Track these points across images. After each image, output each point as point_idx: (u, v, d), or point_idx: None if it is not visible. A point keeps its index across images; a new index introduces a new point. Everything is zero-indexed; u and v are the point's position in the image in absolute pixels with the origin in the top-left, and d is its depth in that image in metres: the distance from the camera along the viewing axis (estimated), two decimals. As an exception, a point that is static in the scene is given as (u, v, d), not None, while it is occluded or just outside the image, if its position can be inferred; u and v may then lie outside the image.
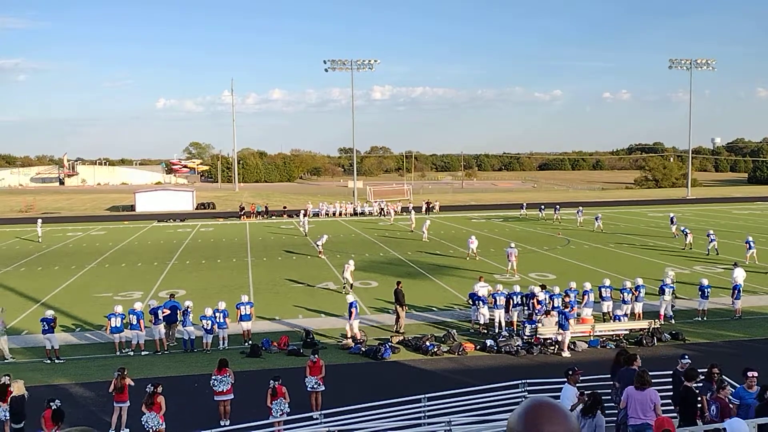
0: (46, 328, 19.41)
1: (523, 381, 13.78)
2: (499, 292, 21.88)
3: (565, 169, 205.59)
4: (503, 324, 21.56)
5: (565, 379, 12.53)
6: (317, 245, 38.72)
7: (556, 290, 22.15)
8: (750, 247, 33.55)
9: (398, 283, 22.73)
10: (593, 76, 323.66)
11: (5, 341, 20.16)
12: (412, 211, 56.33)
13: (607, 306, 22.71)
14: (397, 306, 21.85)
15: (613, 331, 21.03)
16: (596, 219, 49.27)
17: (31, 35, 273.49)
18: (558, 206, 58.54)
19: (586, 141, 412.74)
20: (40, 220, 51.10)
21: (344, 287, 28.15)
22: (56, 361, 19.24)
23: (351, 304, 20.76)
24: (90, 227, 58.99)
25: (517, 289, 22.42)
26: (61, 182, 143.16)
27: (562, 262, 35.10)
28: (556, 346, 19.78)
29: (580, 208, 54.88)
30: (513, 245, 33.40)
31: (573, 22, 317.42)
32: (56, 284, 30.75)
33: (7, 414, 13.97)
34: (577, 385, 12.29)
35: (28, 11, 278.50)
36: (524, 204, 64.93)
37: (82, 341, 21.42)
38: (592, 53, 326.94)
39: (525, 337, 20.27)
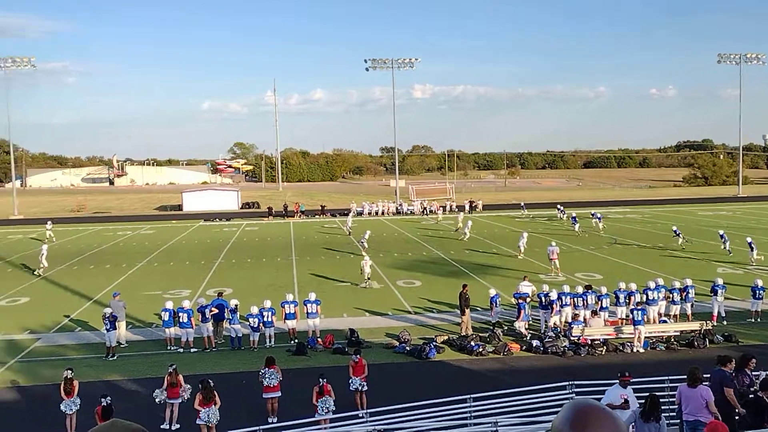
0: (108, 325, 19.94)
1: (570, 382, 13.61)
2: (546, 292, 21.66)
3: (611, 167, 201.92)
4: (549, 324, 21.34)
5: (617, 381, 12.31)
6: (361, 243, 39.16)
7: (603, 290, 21.85)
8: (751, 249, 32.67)
9: (464, 286, 22.19)
10: (639, 72, 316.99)
11: (124, 326, 21.03)
12: (461, 211, 55.68)
13: (657, 308, 22.23)
14: (462, 309, 21.57)
15: (663, 332, 20.62)
16: (594, 216, 49.06)
17: (80, 38, 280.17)
18: (561, 207, 58.46)
19: (632, 138, 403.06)
20: (49, 222, 52.08)
21: (366, 282, 29.17)
22: (110, 358, 19.75)
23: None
24: (139, 226, 60.34)
25: (566, 289, 22.14)
26: (111, 182, 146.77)
27: (609, 262, 34.54)
28: (604, 347, 19.50)
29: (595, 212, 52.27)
30: (554, 243, 33.02)
31: (617, 16, 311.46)
32: (108, 282, 31.55)
33: (73, 407, 14.45)
34: (629, 387, 12.05)
35: (77, 14, 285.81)
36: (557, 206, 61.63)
37: (132, 338, 21.91)
38: (638, 48, 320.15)
39: (572, 338, 20.02)
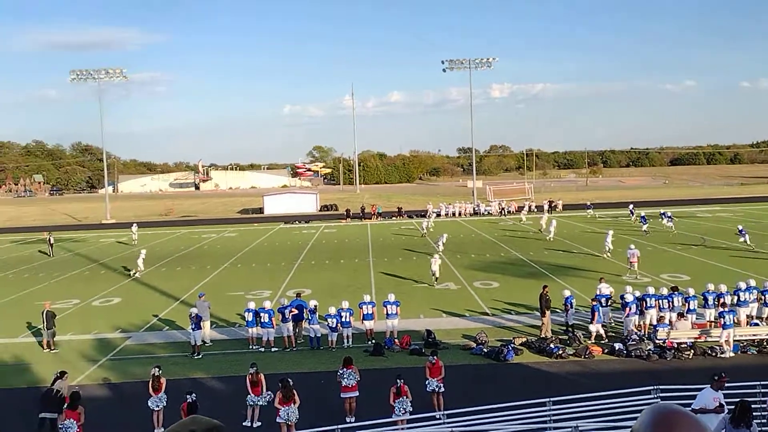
0: (194, 325, 20.67)
1: (655, 386, 13.12)
2: (629, 293, 20.97)
3: (700, 163, 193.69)
4: (633, 327, 20.64)
5: (708, 384, 11.78)
6: (438, 245, 39.17)
7: (691, 292, 20.99)
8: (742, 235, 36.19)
9: (544, 287, 21.81)
10: (729, 65, 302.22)
11: (208, 325, 21.88)
12: (545, 212, 54.34)
13: (748, 310, 21.15)
14: (542, 310, 21.22)
15: (754, 335, 19.59)
16: (664, 216, 47.10)
17: (168, 48, 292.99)
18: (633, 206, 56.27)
19: (722, 133, 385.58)
20: (135, 225, 54.13)
21: (434, 280, 29.70)
22: (195, 356, 20.45)
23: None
24: (223, 229, 62.27)
25: (651, 290, 21.36)
26: (197, 187, 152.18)
27: (697, 263, 33.11)
28: (692, 351, 18.70)
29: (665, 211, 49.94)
30: (633, 246, 31.99)
31: (705, 7, 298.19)
32: (193, 283, 32.70)
33: (160, 403, 15.07)
34: (722, 391, 11.51)
35: (165, 25, 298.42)
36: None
37: (217, 337, 22.59)
38: (728, 40, 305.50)
39: (657, 341, 19.29)
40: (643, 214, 48.53)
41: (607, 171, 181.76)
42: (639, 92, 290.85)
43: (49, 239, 47.84)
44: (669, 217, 46.70)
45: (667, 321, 20.05)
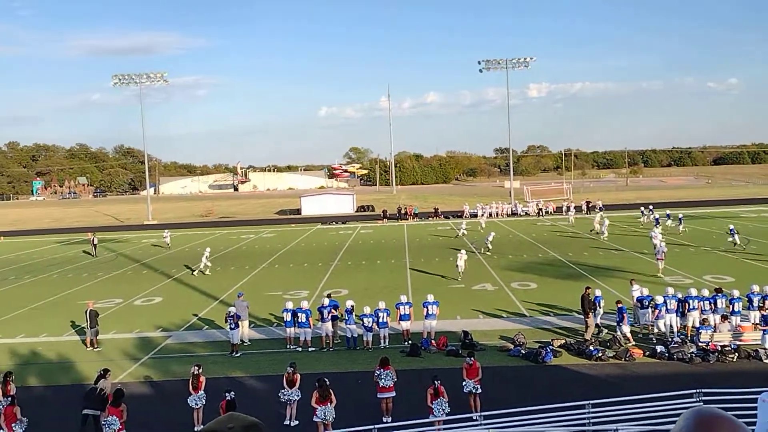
0: (233, 324, 20.94)
1: (698, 390, 12.84)
2: (671, 295, 20.56)
3: (744, 162, 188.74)
4: (675, 329, 20.25)
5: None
6: (486, 243, 39.22)
7: (735, 293, 20.48)
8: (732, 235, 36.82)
9: (586, 288, 21.59)
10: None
11: (247, 324, 22.18)
12: (599, 212, 52.69)
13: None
14: (585, 312, 20.95)
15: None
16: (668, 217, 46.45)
17: (208, 53, 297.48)
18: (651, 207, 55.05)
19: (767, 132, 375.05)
20: (167, 231, 53.68)
21: (459, 275, 30.80)
22: (234, 355, 20.70)
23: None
24: (261, 230, 62.93)
25: (693, 292, 20.90)
26: (235, 188, 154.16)
27: (742, 264, 32.31)
28: (736, 354, 18.26)
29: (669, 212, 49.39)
30: (657, 242, 31.92)
31: (747, 2, 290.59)
32: (232, 283, 33.10)
33: (199, 401, 15.30)
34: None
35: (206, 30, 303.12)
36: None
37: (255, 337, 22.80)
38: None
39: (700, 344, 18.88)
40: (657, 215, 47.67)
41: (648, 171, 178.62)
42: (680, 90, 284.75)
43: (93, 240, 48.96)
44: (680, 218, 45.91)
45: (710, 323, 19.62)
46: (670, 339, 19.64)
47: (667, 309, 20.35)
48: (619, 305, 20.35)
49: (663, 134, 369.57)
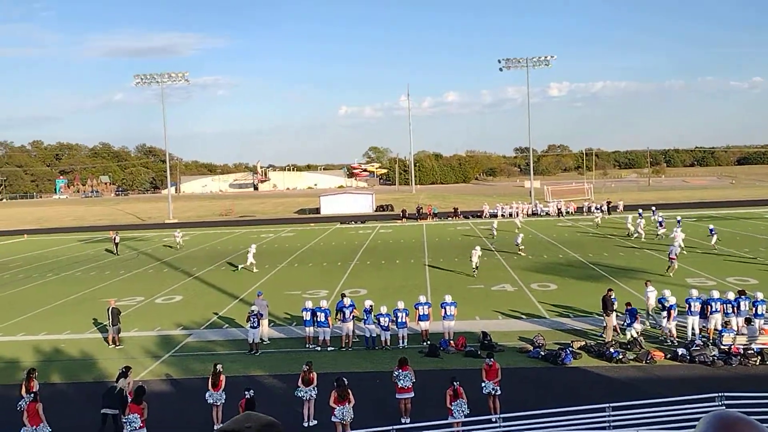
0: (254, 323, 21.05)
1: (719, 394, 12.69)
2: (695, 297, 20.31)
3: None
4: (697, 332, 20.01)
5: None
6: (516, 243, 39.16)
7: (759, 296, 20.20)
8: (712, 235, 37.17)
9: (609, 290, 21.40)
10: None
11: (266, 323, 22.32)
12: (631, 212, 50.72)
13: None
14: (605, 313, 20.79)
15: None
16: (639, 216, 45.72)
17: (228, 53, 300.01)
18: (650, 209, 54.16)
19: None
20: (178, 231, 53.77)
21: (473, 271, 31.87)
22: (253, 353, 20.80)
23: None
24: (280, 229, 63.19)
25: (715, 294, 20.63)
26: (255, 188, 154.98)
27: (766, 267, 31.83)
28: (759, 357, 18.00)
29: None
30: (676, 245, 32.33)
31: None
32: (252, 282, 33.27)
33: (219, 399, 15.39)
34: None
35: (225, 31, 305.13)
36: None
37: (274, 335, 22.89)
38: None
39: (722, 347, 18.64)
40: (661, 218, 46.72)
41: (670, 170, 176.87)
42: (703, 90, 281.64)
43: (115, 238, 49.47)
44: (710, 230, 44.81)
45: (733, 326, 19.37)
46: (691, 341, 19.42)
47: (690, 311, 20.13)
48: (629, 307, 20.11)
49: (686, 134, 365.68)
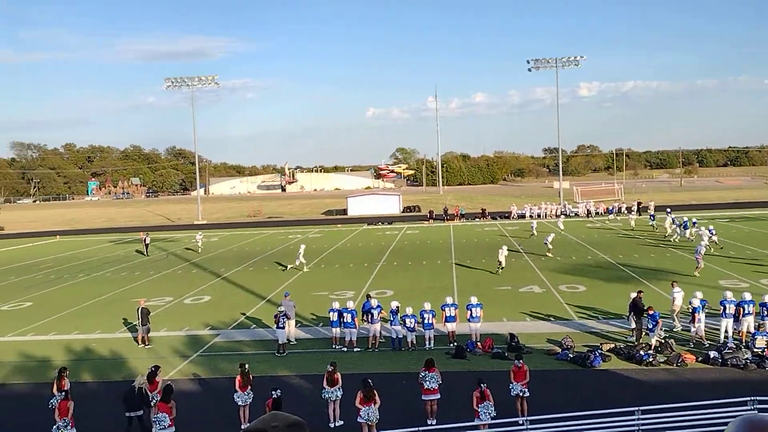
0: (281, 323, 21.16)
1: (752, 398, 12.41)
2: (729, 299, 19.91)
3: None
4: (730, 334, 19.61)
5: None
6: (546, 242, 38.96)
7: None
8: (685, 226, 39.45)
9: (639, 292, 21.15)
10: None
11: (293, 324, 22.46)
12: (668, 215, 49.14)
13: None
14: (637, 316, 20.49)
15: None
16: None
17: (257, 56, 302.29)
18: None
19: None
20: (199, 233, 53.86)
21: (499, 269, 32.76)
22: (281, 354, 20.89)
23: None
24: (308, 230, 63.47)
25: (748, 296, 20.19)
26: (283, 189, 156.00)
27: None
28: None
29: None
30: (702, 245, 32.03)
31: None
32: (279, 283, 33.45)
33: (247, 399, 15.49)
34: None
35: (254, 33, 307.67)
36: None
37: (301, 336, 22.98)
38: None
39: (755, 350, 18.24)
40: (672, 217, 45.81)
41: (703, 171, 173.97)
42: (736, 88, 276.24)
43: (145, 239, 50.09)
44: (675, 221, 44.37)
45: (767, 329, 18.95)
46: (723, 344, 19.04)
47: (724, 313, 19.73)
48: (651, 311, 19.71)
49: (719, 133, 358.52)
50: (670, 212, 47.28)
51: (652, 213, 53.20)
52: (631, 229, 50.70)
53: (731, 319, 19.69)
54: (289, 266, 38.39)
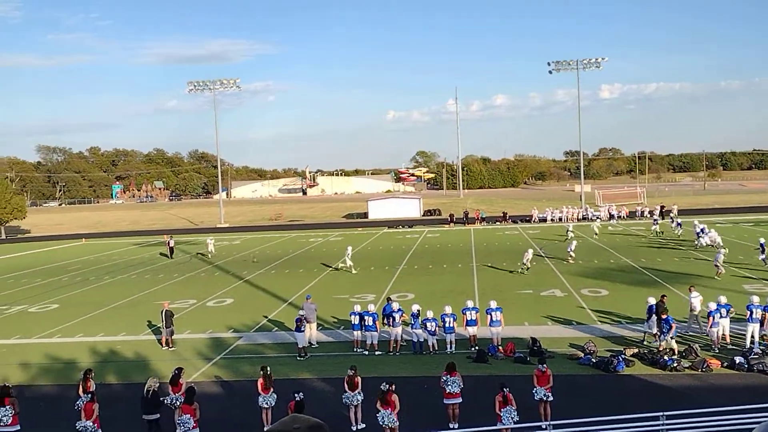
0: (303, 326, 21.26)
1: (779, 405, 12.25)
2: (756, 303, 19.65)
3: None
4: (757, 339, 19.35)
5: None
6: (569, 251, 38.16)
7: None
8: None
9: (663, 296, 20.95)
10: None
11: (315, 327, 22.58)
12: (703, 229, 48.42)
13: None
14: (659, 320, 20.26)
15: None
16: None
17: (278, 59, 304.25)
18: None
19: None
20: (210, 238, 53.44)
21: (522, 269, 33.95)
22: (300, 357, 20.99)
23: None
24: (329, 233, 63.69)
25: (772, 301, 19.96)
26: (304, 192, 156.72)
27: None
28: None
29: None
30: (721, 251, 31.82)
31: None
32: (301, 286, 33.62)
33: (270, 401, 15.60)
34: None
35: (275, 37, 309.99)
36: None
37: (323, 339, 23.04)
38: None
39: (782, 356, 17.98)
40: (680, 220, 45.20)
41: (727, 174, 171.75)
42: (761, 90, 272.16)
43: (169, 242, 50.59)
44: (679, 223, 44.05)
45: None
46: (749, 349, 18.79)
47: (751, 318, 19.48)
48: (665, 316, 19.48)
49: (743, 136, 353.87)
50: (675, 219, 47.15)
51: (679, 221, 51.02)
52: (654, 234, 50.03)
53: (758, 324, 19.42)
54: (340, 266, 39.19)
